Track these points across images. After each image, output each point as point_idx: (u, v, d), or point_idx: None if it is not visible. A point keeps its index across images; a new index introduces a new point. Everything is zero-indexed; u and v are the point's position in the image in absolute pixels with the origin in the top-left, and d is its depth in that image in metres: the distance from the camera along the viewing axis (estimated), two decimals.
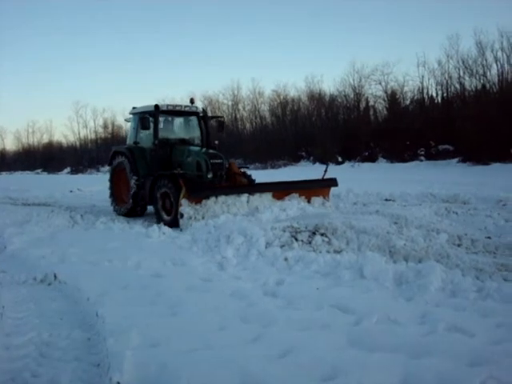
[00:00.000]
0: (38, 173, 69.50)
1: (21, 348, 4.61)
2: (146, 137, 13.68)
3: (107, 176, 15.07)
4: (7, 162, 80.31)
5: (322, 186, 12.94)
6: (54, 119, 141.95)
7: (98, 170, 62.43)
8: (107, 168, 16.19)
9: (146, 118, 12.97)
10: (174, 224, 11.11)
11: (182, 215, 10.73)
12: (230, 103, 60.38)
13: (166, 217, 11.84)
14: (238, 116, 59.25)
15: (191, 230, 9.73)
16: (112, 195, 14.54)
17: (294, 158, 46.39)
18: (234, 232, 8.46)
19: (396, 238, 7.90)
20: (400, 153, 38.15)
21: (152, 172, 12.89)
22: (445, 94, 42.02)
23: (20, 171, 71.72)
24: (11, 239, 9.99)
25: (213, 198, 10.85)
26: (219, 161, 12.35)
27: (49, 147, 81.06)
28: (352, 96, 48.55)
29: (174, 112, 13.99)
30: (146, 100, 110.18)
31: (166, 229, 10.47)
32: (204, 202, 10.82)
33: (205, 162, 12.13)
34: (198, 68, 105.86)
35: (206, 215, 10.54)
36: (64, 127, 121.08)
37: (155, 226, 10.62)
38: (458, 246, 8.06)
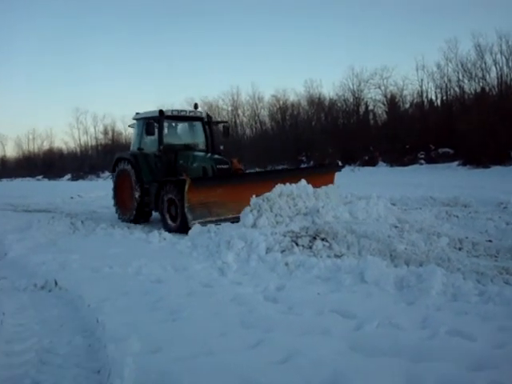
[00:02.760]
0: (38, 179, 69.47)
1: (21, 355, 4.61)
2: (150, 142, 13.54)
3: (108, 182, 15.11)
4: (8, 169, 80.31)
5: (328, 172, 13.21)
6: (55, 126, 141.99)
7: (99, 176, 62.43)
8: (107, 174, 16.28)
9: (151, 123, 12.86)
10: (180, 230, 10.93)
11: (191, 210, 10.51)
12: (229, 108, 60.42)
13: (171, 223, 11.61)
14: (237, 121, 59.26)
15: (191, 236, 9.71)
16: (116, 202, 14.39)
17: (294, 163, 46.30)
18: (235, 237, 8.44)
19: (397, 242, 7.89)
20: (400, 156, 38.16)
21: (157, 178, 12.79)
22: (444, 98, 42.12)
23: (21, 178, 71.65)
24: (12, 246, 10.02)
25: (276, 191, 10.05)
26: (226, 166, 12.34)
27: (49, 154, 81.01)
28: (351, 100, 48.59)
29: (178, 117, 13.91)
30: (146, 106, 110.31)
31: (166, 234, 10.49)
32: (267, 195, 9.99)
33: (211, 168, 12.14)
34: (197, 74, 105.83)
35: (272, 211, 9.69)
36: (64, 134, 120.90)
37: (155, 232, 10.62)
38: (459, 249, 8.04)
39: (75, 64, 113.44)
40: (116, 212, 14.29)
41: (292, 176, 11.71)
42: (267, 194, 9.97)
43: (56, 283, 7.05)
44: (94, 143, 76.14)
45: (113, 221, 13.34)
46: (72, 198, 23.25)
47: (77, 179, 63.36)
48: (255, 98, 57.97)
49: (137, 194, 13.15)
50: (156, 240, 10.07)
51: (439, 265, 6.66)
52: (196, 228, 10.03)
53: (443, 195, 14.48)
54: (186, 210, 10.56)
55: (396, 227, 9.00)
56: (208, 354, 4.18)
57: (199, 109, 14.63)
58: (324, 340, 4.43)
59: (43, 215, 15.65)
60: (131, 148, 14.45)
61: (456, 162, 33.66)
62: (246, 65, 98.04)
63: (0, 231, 12.26)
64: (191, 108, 14.30)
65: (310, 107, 53.04)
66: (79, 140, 77.87)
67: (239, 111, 59.65)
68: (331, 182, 12.49)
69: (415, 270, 6.27)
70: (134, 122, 14.61)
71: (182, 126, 14.68)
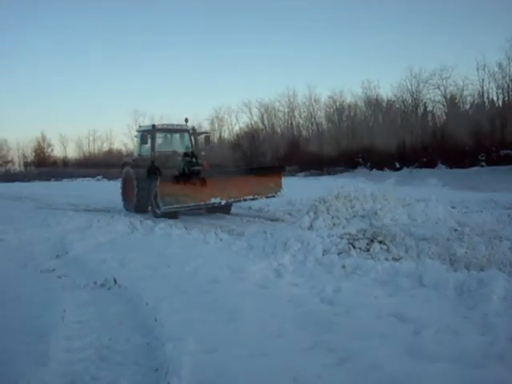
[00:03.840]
0: (98, 179, 70.96)
1: (81, 351, 4.70)
2: (147, 150, 17.22)
3: None
4: (69, 169, 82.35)
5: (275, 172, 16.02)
6: (114, 128, 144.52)
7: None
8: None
9: (145, 135, 16.80)
10: (163, 215, 14.26)
11: (162, 198, 13.37)
12: (285, 110, 60.28)
13: (156, 210, 14.75)
14: (293, 123, 59.17)
15: (247, 237, 9.74)
16: (123, 195, 18.03)
17: (351, 165, 45.89)
18: (291, 239, 8.42)
19: (457, 246, 7.71)
20: (460, 158, 37.29)
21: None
22: (506, 98, 40.89)
23: (81, 178, 73.40)
24: (73, 244, 10.25)
25: (333, 193, 10.35)
26: (198, 167, 15.30)
27: (109, 155, 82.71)
28: (410, 101, 47.73)
29: (168, 130, 17.81)
30: (202, 109, 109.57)
31: (223, 235, 10.55)
32: (324, 197, 10.26)
33: (188, 169, 15.15)
34: (253, 76, 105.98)
35: (329, 213, 9.76)
36: (123, 135, 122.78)
37: (212, 233, 10.71)
38: None
39: (135, 66, 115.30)
40: (123, 204, 17.89)
41: (242, 175, 15.38)
42: (324, 196, 10.16)
43: (115, 281, 7.17)
44: None
45: (170, 221, 13.54)
46: None
47: None
48: (311, 99, 57.59)
49: (136, 190, 16.56)
50: (213, 241, 10.14)
51: (501, 269, 6.49)
52: (252, 229, 10.09)
53: (505, 198, 14.14)
54: (158, 199, 13.70)
55: (456, 230, 8.81)
56: (264, 354, 4.20)
57: (188, 123, 18.07)
58: (381, 344, 4.37)
59: (103, 215, 16.04)
60: (134, 154, 18.72)
61: None
62: (302, 66, 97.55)
63: (61, 230, 12.62)
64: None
65: (367, 108, 52.37)
66: None
67: (295, 113, 59.42)
68: (279, 180, 15.43)
69: (476, 275, 6.12)
70: (137, 133, 18.25)
71: (173, 137, 18.26)
